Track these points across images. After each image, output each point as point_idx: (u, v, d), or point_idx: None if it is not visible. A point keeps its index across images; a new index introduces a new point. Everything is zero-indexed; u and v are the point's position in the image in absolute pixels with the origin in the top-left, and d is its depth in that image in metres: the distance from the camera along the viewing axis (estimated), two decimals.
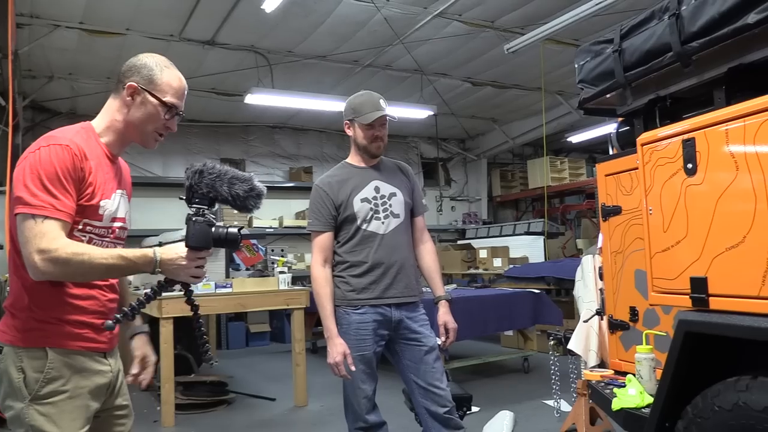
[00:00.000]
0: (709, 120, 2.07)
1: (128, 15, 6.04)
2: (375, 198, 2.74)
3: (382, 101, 2.76)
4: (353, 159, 2.86)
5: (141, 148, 1.86)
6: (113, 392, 1.84)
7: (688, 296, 2.13)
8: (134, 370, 1.92)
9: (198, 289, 5.08)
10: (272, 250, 8.97)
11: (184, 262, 1.67)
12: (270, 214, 9.71)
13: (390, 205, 2.76)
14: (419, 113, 8.44)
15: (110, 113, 1.78)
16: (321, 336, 8.33)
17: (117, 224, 1.79)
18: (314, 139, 10.73)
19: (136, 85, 1.74)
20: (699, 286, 2.09)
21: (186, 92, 1.84)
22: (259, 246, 7.45)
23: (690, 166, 2.12)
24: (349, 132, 2.82)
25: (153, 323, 5.69)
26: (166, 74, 1.77)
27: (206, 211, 1.71)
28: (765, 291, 1.85)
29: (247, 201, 1.74)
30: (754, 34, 2.14)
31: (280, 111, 8.98)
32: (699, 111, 2.40)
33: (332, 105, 7.99)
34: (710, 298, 2.05)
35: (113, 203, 1.76)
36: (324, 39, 6.86)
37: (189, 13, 6.05)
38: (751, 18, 2.07)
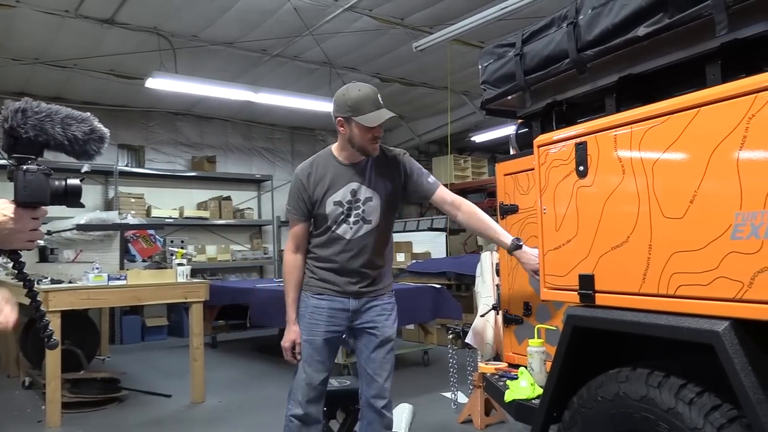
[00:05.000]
0: (599, 125, 2.18)
1: None
2: (349, 202, 2.67)
3: (379, 96, 2.58)
4: (340, 153, 2.71)
5: None
6: None
7: (576, 293, 2.24)
8: None
9: (89, 281, 4.84)
10: (171, 242, 8.66)
11: (12, 225, 1.34)
12: (170, 204, 9.38)
13: (363, 211, 2.68)
14: (327, 106, 8.35)
15: None
16: (221, 330, 8.19)
17: None
18: (218, 128, 10.44)
19: None
20: (586, 283, 2.20)
21: None
22: (157, 237, 7.16)
23: (581, 168, 2.23)
24: (343, 130, 2.62)
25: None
26: None
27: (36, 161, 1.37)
28: (645, 288, 1.97)
29: (87, 145, 1.41)
30: (643, 46, 2.27)
31: (183, 97, 8.66)
32: (591, 116, 2.52)
33: (238, 93, 7.81)
34: (597, 295, 2.16)
35: None
36: (231, 25, 6.68)
37: None
38: (641, 31, 2.20)
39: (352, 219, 2.67)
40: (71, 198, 1.42)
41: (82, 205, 1.44)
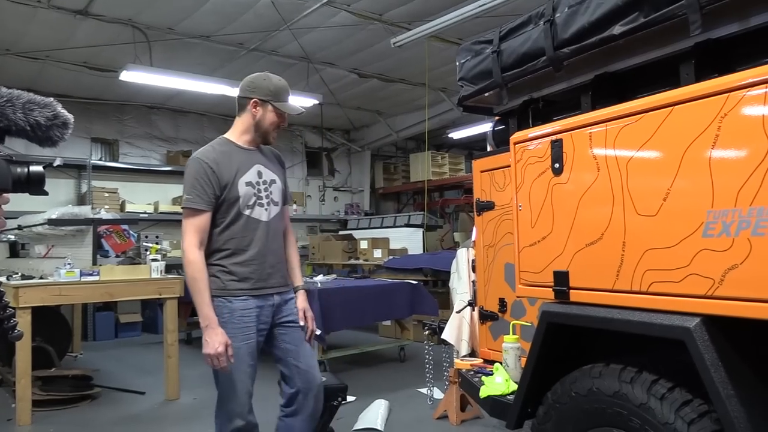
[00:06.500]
0: (575, 123, 2.19)
1: None
2: (258, 183, 2.63)
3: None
4: (239, 138, 2.70)
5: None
6: None
7: (551, 289, 2.25)
8: None
9: (61, 276, 4.76)
10: (146, 237, 8.55)
11: None
12: (145, 199, 9.26)
13: (271, 192, 2.66)
14: (305, 101, 8.33)
15: None
16: (196, 326, 8.11)
17: None
18: (194, 122, 10.33)
19: None
20: (561, 279, 2.21)
21: None
22: (131, 232, 7.07)
23: (557, 165, 2.24)
24: (255, 111, 2.66)
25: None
26: None
27: None
28: (618, 285, 1.99)
29: (51, 131, 1.35)
30: (618, 45, 2.29)
31: (158, 91, 8.56)
32: (567, 114, 2.54)
33: (215, 87, 7.73)
34: (571, 291, 2.18)
35: None
36: (208, 18, 6.61)
37: None
38: (617, 30, 2.22)
39: (264, 201, 2.64)
40: (34, 185, 1.35)
41: (45, 193, 1.40)
